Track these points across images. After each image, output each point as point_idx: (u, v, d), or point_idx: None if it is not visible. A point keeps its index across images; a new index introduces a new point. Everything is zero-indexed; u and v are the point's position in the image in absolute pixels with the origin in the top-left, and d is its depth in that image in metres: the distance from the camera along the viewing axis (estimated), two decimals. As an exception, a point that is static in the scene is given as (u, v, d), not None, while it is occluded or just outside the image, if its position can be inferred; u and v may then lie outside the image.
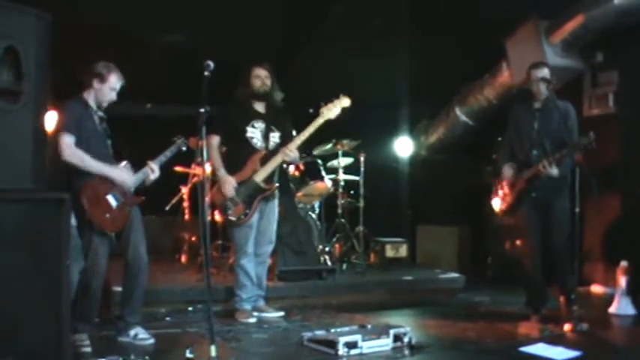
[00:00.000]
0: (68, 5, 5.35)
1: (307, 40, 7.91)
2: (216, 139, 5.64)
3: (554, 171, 5.23)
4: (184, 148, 5.11)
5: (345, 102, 5.58)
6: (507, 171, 5.64)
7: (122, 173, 4.65)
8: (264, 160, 5.56)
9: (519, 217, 5.58)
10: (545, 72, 5.45)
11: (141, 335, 4.70)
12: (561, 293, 5.50)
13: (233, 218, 5.54)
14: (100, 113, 4.72)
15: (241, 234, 5.59)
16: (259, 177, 5.53)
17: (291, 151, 5.52)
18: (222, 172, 5.57)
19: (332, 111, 5.56)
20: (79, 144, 4.46)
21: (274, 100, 5.71)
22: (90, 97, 4.64)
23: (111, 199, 4.55)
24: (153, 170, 4.81)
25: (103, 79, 4.60)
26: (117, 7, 6.58)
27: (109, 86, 4.63)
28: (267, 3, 6.94)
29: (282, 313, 5.75)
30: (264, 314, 5.66)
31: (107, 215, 4.51)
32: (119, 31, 6.84)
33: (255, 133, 5.61)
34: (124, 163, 4.75)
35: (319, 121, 5.57)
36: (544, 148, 5.40)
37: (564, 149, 5.16)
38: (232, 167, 5.60)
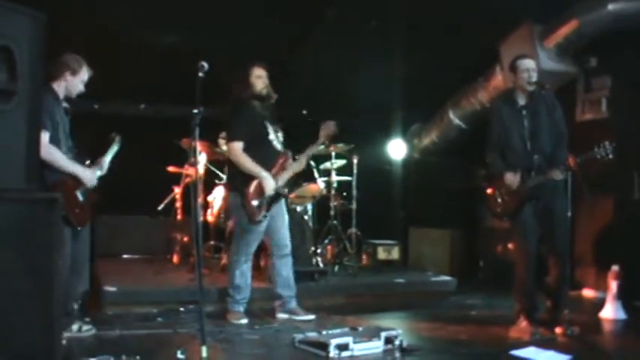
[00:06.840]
0: (62, 5, 5.33)
1: (302, 42, 7.91)
2: (239, 145, 5.39)
3: (561, 175, 5.11)
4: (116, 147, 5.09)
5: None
6: (513, 179, 5.32)
7: (89, 174, 4.73)
8: (287, 166, 5.54)
9: (517, 222, 5.40)
10: (531, 63, 5.39)
11: (84, 327, 4.74)
12: (550, 297, 5.44)
13: (259, 219, 5.42)
14: (65, 104, 4.77)
15: (254, 236, 5.52)
16: (281, 182, 5.49)
17: (302, 163, 5.56)
18: (262, 172, 5.39)
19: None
20: (51, 138, 4.49)
21: (271, 100, 5.60)
22: (60, 89, 4.68)
23: (79, 195, 4.67)
24: (102, 168, 4.91)
25: (75, 72, 4.68)
26: (111, 7, 6.56)
27: (81, 79, 4.72)
28: (262, 5, 6.93)
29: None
30: (295, 317, 5.61)
31: (77, 210, 4.62)
32: (114, 32, 6.83)
33: (272, 135, 5.56)
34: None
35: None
36: (542, 149, 5.28)
37: (578, 157, 5.00)
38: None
